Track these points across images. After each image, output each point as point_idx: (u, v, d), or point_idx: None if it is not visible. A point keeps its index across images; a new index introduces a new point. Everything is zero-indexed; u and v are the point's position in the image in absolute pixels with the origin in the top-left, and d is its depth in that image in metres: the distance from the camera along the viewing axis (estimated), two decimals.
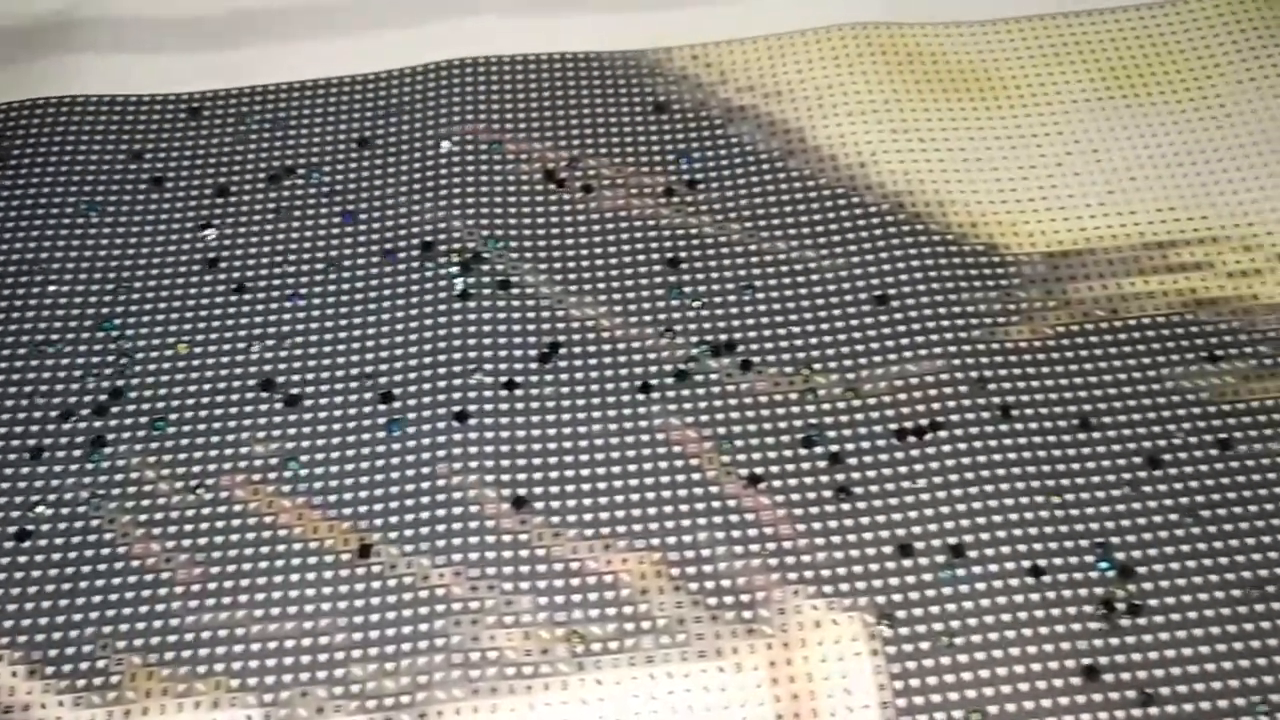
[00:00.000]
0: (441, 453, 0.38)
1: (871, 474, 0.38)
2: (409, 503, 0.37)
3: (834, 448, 0.39)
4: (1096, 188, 0.45)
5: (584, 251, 0.43)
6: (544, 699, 0.34)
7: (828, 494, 0.38)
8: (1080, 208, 0.44)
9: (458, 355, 0.40)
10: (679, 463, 0.38)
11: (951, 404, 0.39)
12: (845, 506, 0.38)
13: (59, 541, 0.37)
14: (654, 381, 0.40)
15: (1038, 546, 0.37)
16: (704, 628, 0.35)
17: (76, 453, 0.39)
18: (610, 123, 0.46)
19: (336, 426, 0.39)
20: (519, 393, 0.39)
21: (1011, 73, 0.48)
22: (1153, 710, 0.34)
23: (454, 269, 0.42)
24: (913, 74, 0.47)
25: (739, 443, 0.39)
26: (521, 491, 0.38)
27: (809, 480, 0.38)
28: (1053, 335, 0.41)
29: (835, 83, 0.47)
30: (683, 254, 0.43)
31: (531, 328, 0.41)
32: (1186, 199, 0.44)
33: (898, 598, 0.36)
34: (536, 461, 0.38)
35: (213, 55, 0.47)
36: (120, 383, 0.40)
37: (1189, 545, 0.37)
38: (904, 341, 0.41)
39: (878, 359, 0.40)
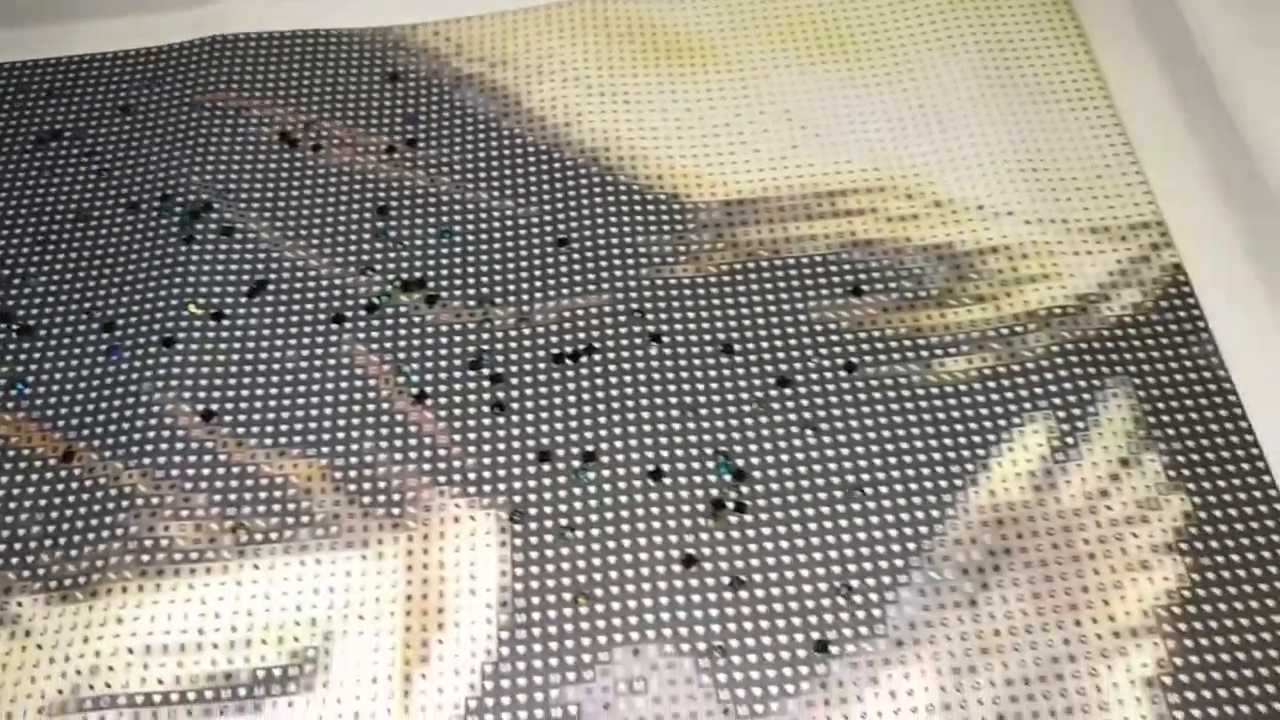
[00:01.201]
0: (149, 374, 0.43)
1: (528, 392, 0.43)
2: (114, 415, 0.42)
3: (499, 370, 0.43)
4: (782, 143, 0.49)
5: (305, 202, 0.48)
6: (204, 580, 0.39)
7: (485, 409, 0.42)
8: (764, 161, 0.48)
9: (176, 290, 0.45)
10: (358, 384, 0.43)
11: (609, 332, 0.44)
12: (500, 420, 0.42)
13: None
14: (348, 314, 0.45)
15: (664, 453, 0.41)
16: (355, 522, 0.40)
17: None
18: (349, 91, 0.51)
19: (63, 353, 0.44)
20: (225, 323, 0.44)
21: (722, 41, 0.52)
22: (743, 594, 0.38)
23: (185, 217, 0.47)
24: (630, 44, 0.52)
25: (415, 366, 0.43)
26: (214, 406, 0.42)
27: (471, 398, 0.43)
28: (715, 273, 0.45)
29: (556, 53, 0.52)
30: (393, 204, 0.47)
31: (247, 267, 0.46)
32: (862, 153, 0.49)
33: (532, 498, 0.40)
34: (231, 381, 0.43)
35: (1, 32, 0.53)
36: None
37: (803, 454, 0.41)
38: (576, 279, 0.45)
39: (551, 294, 0.45)
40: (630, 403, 0.42)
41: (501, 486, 0.41)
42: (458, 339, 0.44)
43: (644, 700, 0.36)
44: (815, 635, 0.37)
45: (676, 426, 0.42)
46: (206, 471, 0.41)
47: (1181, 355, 0.43)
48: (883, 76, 0.51)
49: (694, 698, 0.37)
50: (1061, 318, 0.44)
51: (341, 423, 0.42)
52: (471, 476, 0.41)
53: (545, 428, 0.42)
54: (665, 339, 0.44)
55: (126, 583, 0.39)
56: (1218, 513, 0.39)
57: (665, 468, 0.41)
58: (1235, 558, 0.39)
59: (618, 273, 0.45)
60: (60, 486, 0.41)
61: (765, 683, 0.37)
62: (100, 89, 0.51)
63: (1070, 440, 0.41)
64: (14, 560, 0.39)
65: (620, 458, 0.41)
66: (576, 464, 0.41)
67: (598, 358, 0.43)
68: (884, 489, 0.40)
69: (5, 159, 0.49)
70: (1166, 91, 0.49)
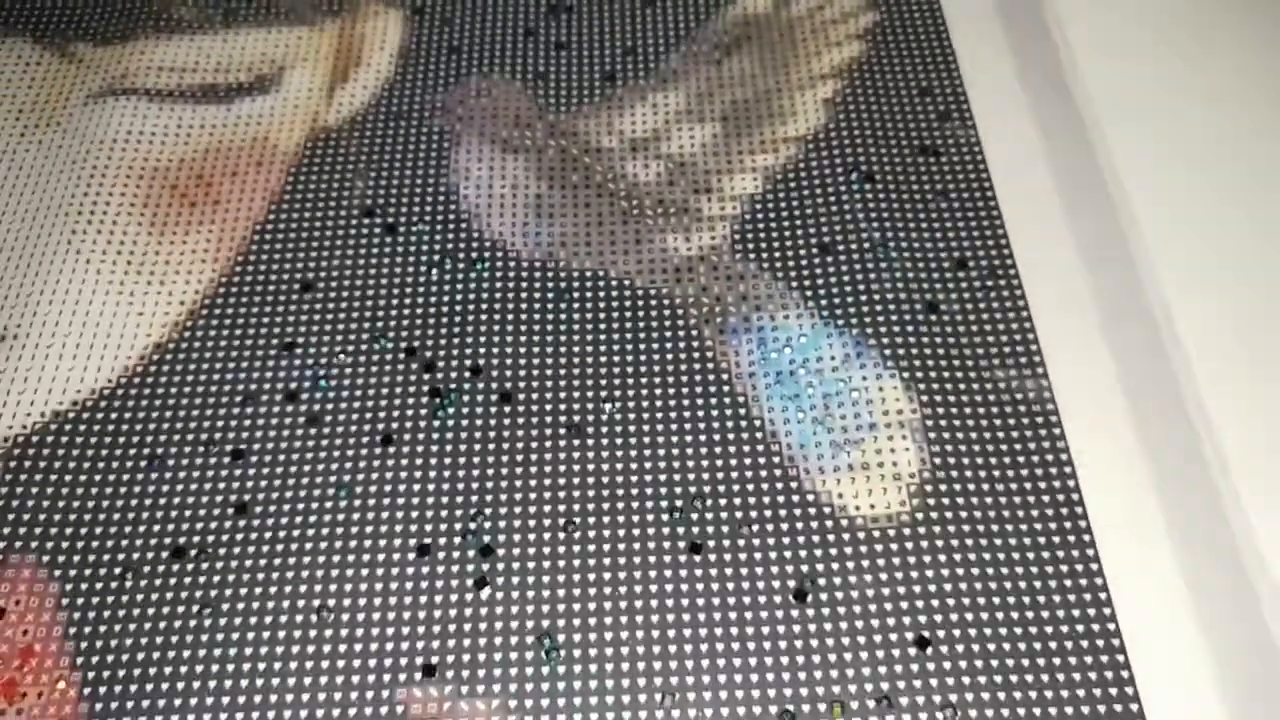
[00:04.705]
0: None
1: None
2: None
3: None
4: None
5: None
6: (201, 35, 0.57)
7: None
8: None
9: None
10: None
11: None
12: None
13: None
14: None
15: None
16: (307, 13, 0.58)
17: None
18: None
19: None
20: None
21: None
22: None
23: None
24: None
25: None
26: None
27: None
28: None
29: None
30: None
31: None
32: None
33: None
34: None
35: None
36: None
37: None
38: None
39: None
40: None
41: None
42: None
43: (487, 100, 0.54)
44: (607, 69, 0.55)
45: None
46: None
47: None
48: None
49: (519, 102, 0.55)
50: None
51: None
52: None
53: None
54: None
55: (147, 36, 0.57)
56: (896, 30, 0.57)
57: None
58: (897, 67, 0.56)
59: None
60: None
61: (572, 96, 0.55)
62: None
63: None
64: (72, 23, 0.58)
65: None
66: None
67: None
68: None
69: None
70: None
